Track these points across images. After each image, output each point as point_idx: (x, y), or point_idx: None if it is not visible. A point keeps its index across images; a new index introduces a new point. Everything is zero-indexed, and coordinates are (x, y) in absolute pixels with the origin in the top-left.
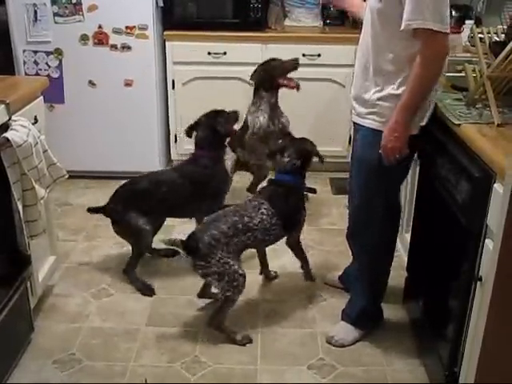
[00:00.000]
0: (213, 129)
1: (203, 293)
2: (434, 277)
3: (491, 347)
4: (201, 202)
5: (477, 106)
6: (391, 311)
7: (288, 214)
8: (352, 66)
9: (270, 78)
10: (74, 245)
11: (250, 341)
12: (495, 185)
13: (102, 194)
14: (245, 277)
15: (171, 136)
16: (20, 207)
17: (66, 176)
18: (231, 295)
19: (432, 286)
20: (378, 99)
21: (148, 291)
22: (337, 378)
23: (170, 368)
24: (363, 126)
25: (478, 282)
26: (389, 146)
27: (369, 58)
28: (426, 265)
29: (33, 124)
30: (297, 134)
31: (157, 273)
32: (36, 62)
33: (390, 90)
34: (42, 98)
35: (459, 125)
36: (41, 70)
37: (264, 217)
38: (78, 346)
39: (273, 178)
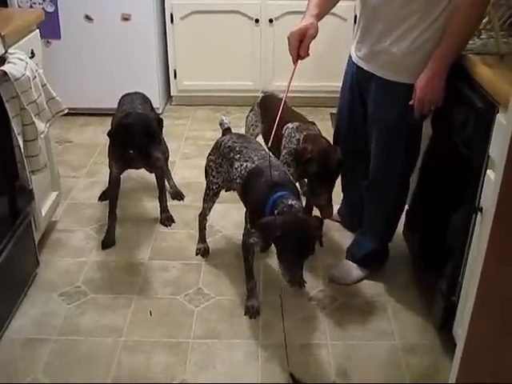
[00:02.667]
0: None
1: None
2: (435, 209)
3: (490, 277)
4: None
5: (481, 37)
6: (392, 243)
7: None
8: None
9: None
10: (76, 181)
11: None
12: (498, 115)
13: (101, 131)
14: None
15: (170, 71)
16: (20, 142)
17: (66, 110)
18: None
19: (433, 219)
20: (397, 48)
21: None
22: (338, 309)
23: (174, 300)
24: (379, 78)
25: (479, 213)
26: (427, 99)
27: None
28: (427, 198)
29: (30, 58)
30: (299, 71)
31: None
32: None
33: (412, 38)
34: (37, 31)
35: (463, 55)
36: (35, 3)
37: None
38: (83, 279)
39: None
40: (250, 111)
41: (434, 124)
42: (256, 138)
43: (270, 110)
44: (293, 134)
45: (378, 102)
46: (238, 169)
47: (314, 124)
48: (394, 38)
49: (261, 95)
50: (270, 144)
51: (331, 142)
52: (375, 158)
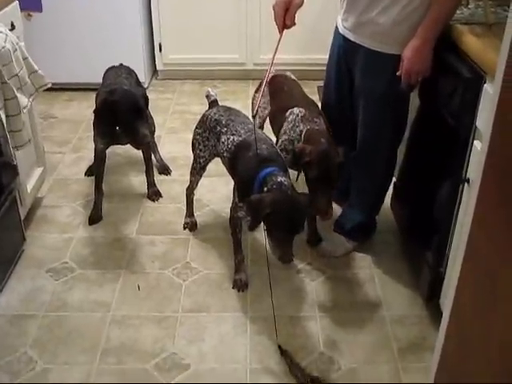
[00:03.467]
0: None
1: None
2: (423, 181)
3: (475, 248)
4: None
5: (469, 6)
6: (380, 215)
7: None
8: None
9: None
10: (61, 157)
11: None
12: (486, 85)
13: (86, 107)
14: None
15: (155, 45)
16: (3, 117)
17: (49, 85)
18: None
19: (420, 191)
20: (384, 18)
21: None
22: (326, 282)
23: (162, 274)
24: (366, 48)
25: (466, 184)
26: (413, 69)
27: None
28: (414, 170)
29: (10, 30)
30: (286, 43)
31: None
32: None
33: (400, 7)
34: (17, 2)
35: (450, 25)
36: None
37: None
38: (70, 255)
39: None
40: (256, 91)
41: (421, 96)
42: (264, 121)
43: (279, 92)
44: (297, 124)
45: (365, 73)
46: (225, 143)
47: (321, 115)
48: (380, 8)
49: (270, 75)
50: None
51: (332, 141)
52: (362, 130)
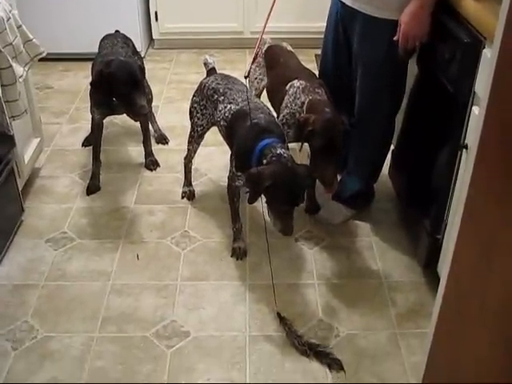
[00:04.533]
0: None
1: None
2: (421, 149)
3: (472, 214)
4: None
5: None
6: (378, 183)
7: None
8: None
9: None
10: (58, 127)
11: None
12: (485, 50)
13: (82, 77)
14: None
15: (151, 13)
16: None
17: (45, 53)
18: None
19: (418, 158)
20: None
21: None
22: (324, 249)
23: (160, 243)
24: (363, 14)
25: (464, 150)
26: (411, 34)
27: None
28: (413, 137)
29: None
30: (283, 12)
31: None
32: None
33: None
34: None
35: None
36: None
37: None
38: (69, 225)
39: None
40: (253, 62)
41: (419, 62)
42: (261, 93)
43: (276, 63)
44: (298, 95)
45: (362, 39)
46: (222, 111)
47: (322, 86)
48: None
49: (266, 46)
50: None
51: (336, 111)
52: (360, 97)
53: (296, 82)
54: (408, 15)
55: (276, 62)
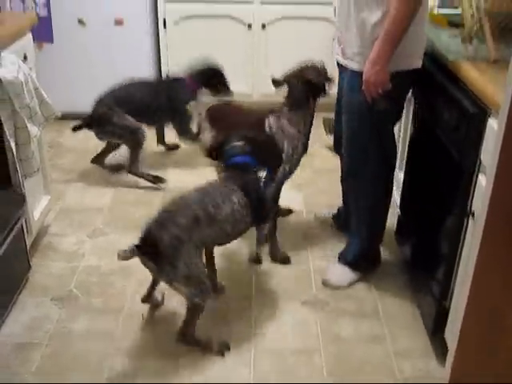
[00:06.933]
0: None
1: (147, 298)
2: (427, 214)
3: (481, 282)
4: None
5: (473, 42)
6: (384, 247)
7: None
8: None
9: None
10: (68, 185)
11: (228, 347)
12: (490, 120)
13: (93, 135)
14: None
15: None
16: (13, 145)
17: (59, 114)
18: (200, 302)
19: (424, 223)
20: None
21: (159, 180)
22: (330, 314)
23: (166, 306)
24: (350, 70)
25: (471, 218)
26: (371, 80)
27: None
28: (418, 202)
29: (22, 61)
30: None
31: None
32: (22, 0)
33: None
34: (30, 35)
35: (454, 61)
36: (28, 8)
37: (235, 206)
38: (75, 283)
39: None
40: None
41: (425, 127)
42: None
43: (220, 121)
44: (280, 123)
45: (346, 90)
46: None
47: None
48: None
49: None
50: None
51: None
52: (346, 151)
53: (269, 119)
54: (368, 63)
55: (221, 120)
